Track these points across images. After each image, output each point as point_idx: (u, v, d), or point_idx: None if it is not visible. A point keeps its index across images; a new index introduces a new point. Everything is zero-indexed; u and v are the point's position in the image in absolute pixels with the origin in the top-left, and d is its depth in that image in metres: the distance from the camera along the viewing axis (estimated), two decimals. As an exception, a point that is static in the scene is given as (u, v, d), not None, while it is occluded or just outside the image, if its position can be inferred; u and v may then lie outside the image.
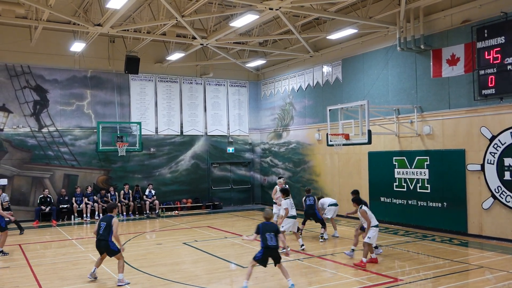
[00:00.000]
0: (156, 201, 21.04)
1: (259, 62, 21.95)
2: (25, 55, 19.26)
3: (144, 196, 20.89)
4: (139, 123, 21.13)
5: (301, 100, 21.49)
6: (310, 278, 9.70)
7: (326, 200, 15.20)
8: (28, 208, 19.17)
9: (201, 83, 23.46)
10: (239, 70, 23.90)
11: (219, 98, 23.93)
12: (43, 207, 18.81)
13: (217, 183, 23.55)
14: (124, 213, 20.37)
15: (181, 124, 22.80)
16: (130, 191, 20.82)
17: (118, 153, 20.22)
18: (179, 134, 22.73)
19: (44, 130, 19.77)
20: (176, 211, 21.69)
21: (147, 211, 20.64)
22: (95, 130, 20.41)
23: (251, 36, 19.56)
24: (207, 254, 12.19)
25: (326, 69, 19.89)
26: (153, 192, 21.07)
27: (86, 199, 19.74)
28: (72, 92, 20.34)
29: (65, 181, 19.98)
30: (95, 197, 19.98)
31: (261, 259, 8.67)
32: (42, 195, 19.06)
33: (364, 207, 10.90)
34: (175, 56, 20.18)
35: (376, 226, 10.84)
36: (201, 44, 18.72)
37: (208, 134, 23.43)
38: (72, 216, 19.50)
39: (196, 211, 22.08)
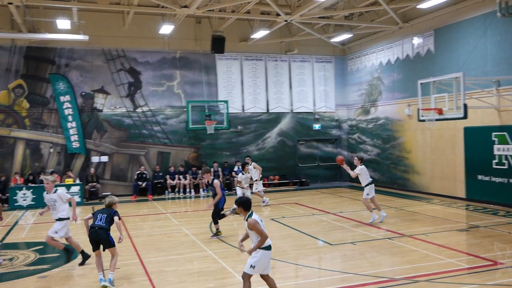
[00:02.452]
0: (244, 178, 21.50)
1: (345, 36, 21.35)
2: (120, 40, 20.31)
3: (233, 173, 21.41)
4: (226, 102, 21.61)
5: (389, 74, 20.66)
6: (401, 257, 9.42)
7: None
8: (126, 183, 20.49)
9: (286, 60, 23.36)
10: (324, 46, 23.44)
11: (305, 75, 23.71)
12: (139, 183, 19.99)
13: (303, 160, 23.53)
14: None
15: (267, 101, 22.94)
16: (219, 169, 21.44)
17: (207, 131, 20.89)
18: (265, 111, 22.91)
19: (139, 110, 20.87)
20: (264, 188, 22.00)
21: (235, 187, 21.15)
22: (185, 109, 21.19)
23: (336, 9, 19.03)
24: (294, 231, 12.28)
25: (416, 40, 18.87)
26: (241, 168, 21.53)
27: (178, 176, 20.69)
28: (163, 73, 21.20)
29: (158, 158, 21.04)
30: (187, 175, 20.86)
31: None
32: (139, 171, 20.24)
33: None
34: (260, 34, 20.22)
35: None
36: (285, 21, 18.56)
37: (294, 111, 23.38)
38: (166, 191, 20.53)
39: (283, 187, 22.29)
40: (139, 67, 20.84)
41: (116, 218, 8.29)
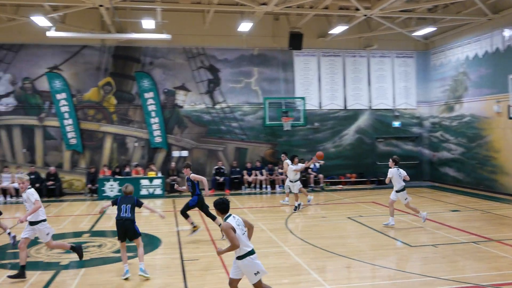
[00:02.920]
0: (320, 175, 21.36)
1: (428, 30, 20.45)
2: (200, 38, 20.91)
3: (309, 170, 21.32)
4: (303, 98, 21.55)
5: (476, 69, 19.51)
6: (488, 263, 8.89)
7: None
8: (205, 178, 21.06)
9: (365, 56, 22.82)
10: (405, 40, 22.61)
11: (384, 71, 23.03)
12: (217, 177, 20.50)
13: (382, 158, 22.85)
14: (290, 186, 21.11)
15: (345, 98, 22.57)
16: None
17: (284, 127, 20.97)
18: (343, 108, 22.55)
19: (217, 106, 21.39)
20: (340, 186, 21.75)
21: (312, 184, 21.07)
22: (262, 106, 21.42)
23: (419, 2, 18.27)
24: (372, 230, 12.01)
25: (508, 32, 17.66)
26: (317, 165, 21.40)
27: (255, 171, 20.97)
28: (241, 70, 21.55)
29: (236, 154, 21.45)
30: (263, 170, 21.08)
31: None
32: (217, 166, 20.76)
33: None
34: (338, 29, 19.91)
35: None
36: (364, 16, 18.14)
37: (372, 108, 22.80)
38: (242, 187, 20.88)
39: (360, 186, 21.85)
40: (218, 65, 21.34)
41: (144, 205, 8.59)
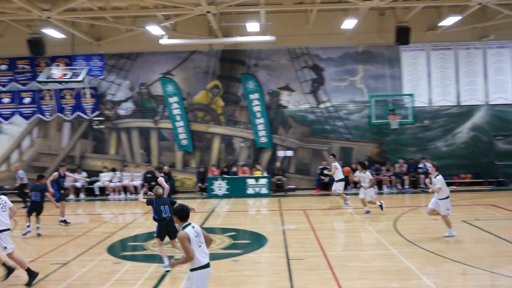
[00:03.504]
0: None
1: (555, 14, 18.45)
2: (303, 38, 20.91)
3: (419, 169, 20.34)
4: (411, 95, 20.61)
5: None
6: None
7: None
8: (309, 177, 21.09)
9: (480, 48, 21.18)
10: (528, 28, 20.60)
11: (503, 63, 21.18)
12: (322, 177, 20.35)
13: (501, 157, 21.03)
14: (399, 186, 20.29)
15: (458, 93, 21.16)
16: (405, 165, 20.57)
17: (391, 126, 20.25)
18: (456, 104, 21.16)
19: (321, 106, 21.25)
20: (454, 186, 20.42)
21: (422, 185, 20.06)
22: (367, 104, 20.89)
23: (545, -15, 16.56)
24: (490, 235, 11.12)
25: None
26: (427, 165, 20.31)
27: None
28: (345, 68, 21.19)
29: (341, 153, 21.11)
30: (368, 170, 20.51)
31: None
32: (322, 166, 20.62)
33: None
34: (449, 20, 18.71)
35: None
36: (479, 4, 16.86)
37: (489, 103, 21.10)
38: (348, 187, 20.49)
39: (476, 187, 20.32)
40: (322, 64, 21.20)
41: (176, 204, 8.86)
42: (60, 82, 20.42)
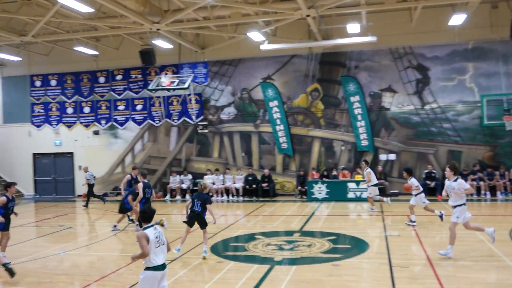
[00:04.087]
0: (554, 181, 18.36)
1: None
2: (406, 37, 20.10)
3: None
4: (530, 93, 18.86)
5: None
6: None
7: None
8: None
9: None
10: None
11: None
12: (428, 182, 19.35)
13: None
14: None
15: None
16: (520, 169, 18.91)
17: (506, 127, 18.69)
18: None
19: (427, 107, 20.24)
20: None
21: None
22: (478, 104, 19.52)
23: None
24: None
25: None
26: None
27: (472, 176, 19.15)
28: (453, 67, 19.97)
29: (448, 157, 19.91)
30: (480, 174, 19.15)
31: None
32: (427, 170, 19.64)
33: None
34: None
35: None
36: None
37: None
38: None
39: None
40: (427, 63, 20.20)
41: (209, 207, 10.16)
42: (168, 90, 21.70)
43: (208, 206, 10.24)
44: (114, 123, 23.72)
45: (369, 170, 16.39)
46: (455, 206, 9.56)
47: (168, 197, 21.92)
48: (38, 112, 24.83)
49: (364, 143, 20.63)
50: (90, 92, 24.04)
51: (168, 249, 6.30)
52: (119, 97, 23.61)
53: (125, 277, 9.03)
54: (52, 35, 20.19)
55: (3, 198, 10.08)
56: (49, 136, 24.73)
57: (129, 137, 23.58)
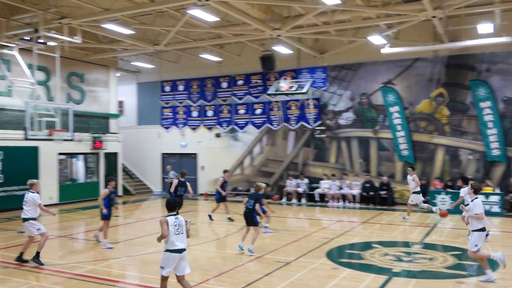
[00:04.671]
0: None
1: None
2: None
3: None
4: None
5: None
6: None
7: None
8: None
9: None
10: None
11: None
12: None
13: None
14: None
15: None
16: None
17: None
18: None
19: None
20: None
21: None
22: None
23: None
24: None
25: None
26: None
27: None
28: None
29: None
30: None
31: None
32: None
33: None
34: None
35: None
36: None
37: None
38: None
39: None
40: None
41: (257, 205, 11.06)
42: (286, 94, 22.05)
43: (257, 204, 11.23)
44: (235, 126, 24.71)
45: (414, 175, 15.95)
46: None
47: (284, 200, 22.24)
48: (167, 115, 26.80)
49: (495, 152, 18.99)
50: (214, 97, 25.34)
51: (188, 237, 7.38)
52: (240, 102, 24.55)
53: (242, 275, 9.36)
54: (181, 43, 21.65)
55: (107, 190, 11.94)
56: (175, 138, 26.55)
57: (248, 140, 24.39)
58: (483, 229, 8.74)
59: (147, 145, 27.31)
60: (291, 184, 22.33)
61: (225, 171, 17.12)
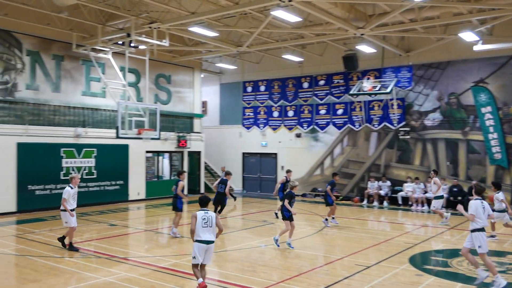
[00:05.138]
0: None
1: None
2: None
3: None
4: None
5: None
6: None
7: None
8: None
9: None
10: None
11: None
12: None
13: None
14: None
15: None
16: None
17: None
18: None
19: None
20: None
21: None
22: None
23: None
24: None
25: None
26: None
27: None
28: None
29: None
30: None
31: None
32: None
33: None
34: None
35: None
36: None
37: None
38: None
39: None
40: None
41: (286, 201, 11.69)
42: (369, 94, 21.53)
43: (286, 200, 11.77)
44: (315, 127, 24.55)
45: (435, 178, 16.02)
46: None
47: (365, 202, 21.74)
48: (248, 115, 27.24)
49: None
50: (295, 97, 25.36)
51: (221, 231, 8.12)
52: (321, 102, 24.36)
53: (320, 276, 9.28)
54: (263, 44, 21.90)
55: (182, 183, 13.40)
56: (256, 137, 26.90)
57: (329, 140, 24.12)
58: (482, 229, 8.86)
59: (228, 145, 27.95)
60: (372, 186, 21.76)
61: (288, 171, 17.02)
